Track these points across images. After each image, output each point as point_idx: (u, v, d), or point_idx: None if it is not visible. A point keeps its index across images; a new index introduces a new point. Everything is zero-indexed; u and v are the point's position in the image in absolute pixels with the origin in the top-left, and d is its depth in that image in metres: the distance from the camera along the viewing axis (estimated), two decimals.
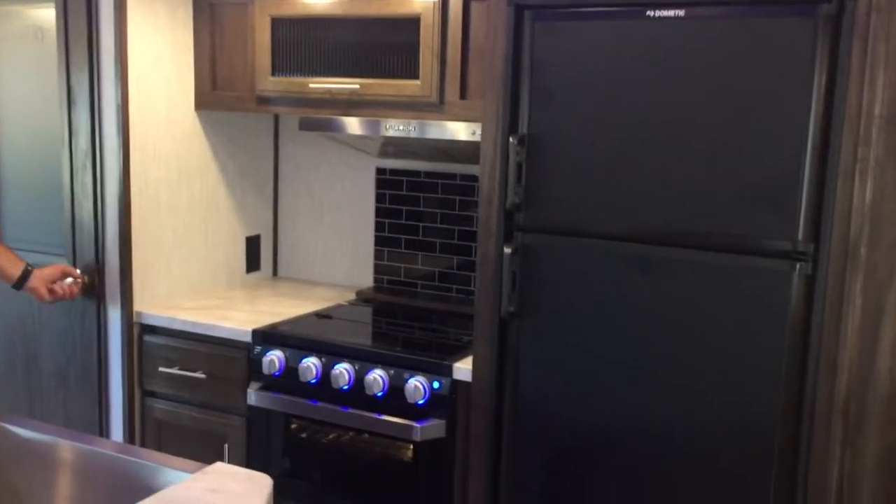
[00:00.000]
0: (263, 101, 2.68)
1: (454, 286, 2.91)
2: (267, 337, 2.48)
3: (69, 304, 2.72)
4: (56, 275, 2.54)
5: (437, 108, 2.43)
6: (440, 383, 2.23)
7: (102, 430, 2.73)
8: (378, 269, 3.04)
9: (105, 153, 2.61)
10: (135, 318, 2.65)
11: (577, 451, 2.08)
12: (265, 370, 2.43)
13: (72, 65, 2.59)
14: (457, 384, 2.23)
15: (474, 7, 2.37)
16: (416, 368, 2.27)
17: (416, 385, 2.23)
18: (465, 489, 2.25)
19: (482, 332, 2.15)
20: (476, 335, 2.17)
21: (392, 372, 2.28)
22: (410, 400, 2.24)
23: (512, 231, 2.09)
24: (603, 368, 2.02)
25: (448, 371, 2.23)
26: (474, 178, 2.83)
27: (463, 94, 2.41)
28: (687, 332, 1.94)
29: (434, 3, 2.39)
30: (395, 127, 2.45)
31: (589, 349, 2.03)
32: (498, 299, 2.11)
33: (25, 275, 2.48)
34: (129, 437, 2.69)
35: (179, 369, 2.58)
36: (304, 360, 2.38)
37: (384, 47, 2.50)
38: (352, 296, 2.95)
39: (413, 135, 2.43)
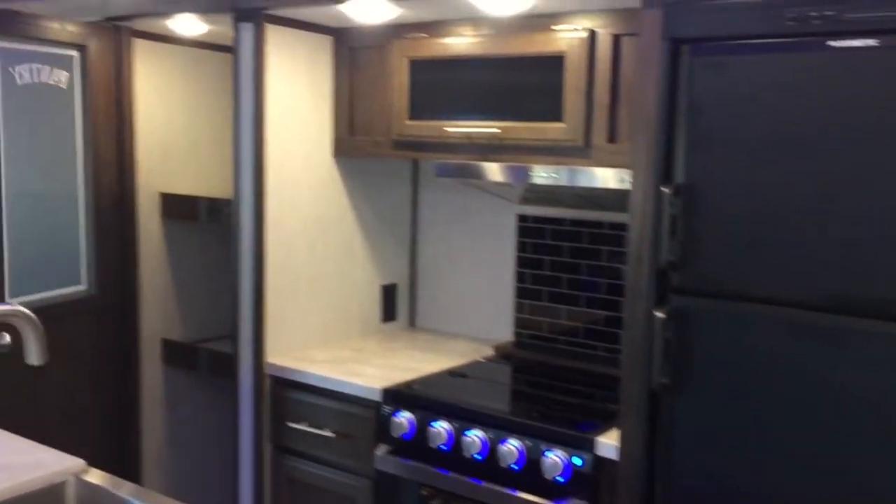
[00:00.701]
0: (401, 145, 2.58)
1: (600, 344, 2.67)
2: (397, 397, 2.34)
3: None
4: None
5: (582, 152, 2.24)
6: (582, 460, 2.00)
7: (231, 482, 2.67)
8: (518, 323, 2.85)
9: (241, 201, 2.57)
10: (266, 370, 2.59)
11: None
12: (394, 432, 2.28)
13: None
14: (601, 461, 2.00)
15: (625, 42, 2.16)
16: (556, 441, 2.05)
17: (555, 460, 2.01)
18: None
19: (630, 404, 1.91)
20: (623, 407, 1.93)
21: (529, 443, 2.08)
22: (548, 476, 2.02)
23: (665, 293, 1.85)
24: (773, 452, 1.74)
25: (591, 446, 2.00)
26: (624, 227, 2.60)
27: (611, 138, 2.20)
28: (872, 410, 1.64)
29: (580, 39, 2.20)
30: (540, 174, 2.26)
31: (755, 429, 1.76)
32: (648, 369, 1.87)
33: None
34: (257, 494, 2.61)
35: (308, 425, 2.48)
36: (434, 424, 2.22)
37: (526, 88, 2.33)
38: (489, 350, 2.77)
39: (562, 182, 2.23)
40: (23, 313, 1.60)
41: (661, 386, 1.84)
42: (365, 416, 2.39)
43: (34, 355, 1.61)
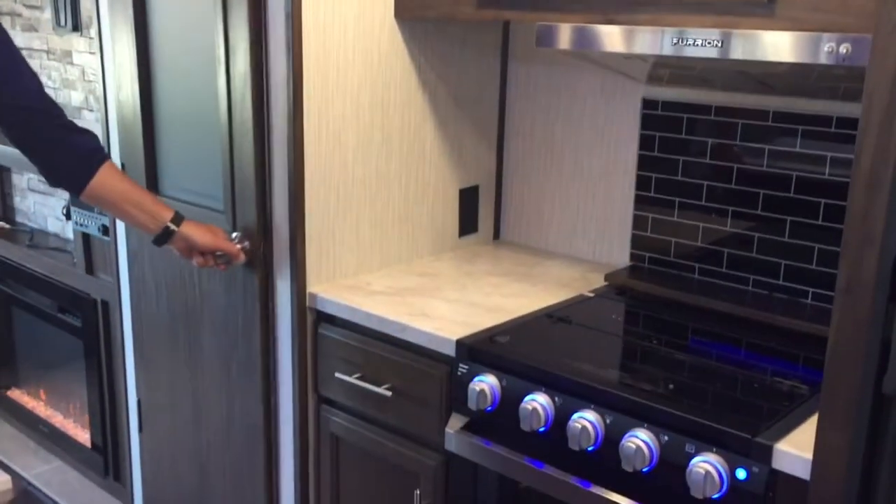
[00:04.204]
0: (488, 2, 1.85)
1: (751, 276, 1.98)
2: (477, 353, 1.71)
3: (229, 277, 2.10)
4: (207, 247, 1.92)
5: (763, 7, 1.48)
6: (748, 472, 1.36)
7: (270, 438, 2.13)
8: (637, 243, 2.17)
9: (271, 78, 1.91)
10: (308, 303, 1.99)
11: None
12: (472, 402, 1.67)
13: None
14: (778, 477, 1.34)
15: None
16: (707, 440, 1.40)
17: (708, 469, 1.37)
18: None
19: (838, 407, 1.24)
20: (825, 409, 1.26)
21: (665, 439, 1.44)
22: (696, 491, 1.38)
23: None
24: None
25: (764, 455, 1.35)
26: (797, 119, 1.85)
27: None
28: None
29: None
30: (691, 40, 1.52)
31: None
32: (876, 357, 1.18)
33: (167, 233, 1.88)
34: (302, 451, 2.06)
35: (360, 379, 1.89)
36: (528, 398, 1.59)
37: None
38: (599, 279, 2.11)
39: (728, 55, 1.49)
40: None
41: None
42: (434, 373, 1.78)
43: None
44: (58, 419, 3.13)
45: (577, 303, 1.97)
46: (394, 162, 2.13)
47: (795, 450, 1.32)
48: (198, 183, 2.19)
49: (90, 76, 2.80)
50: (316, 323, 1.99)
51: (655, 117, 2.09)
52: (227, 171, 2.04)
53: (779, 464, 1.33)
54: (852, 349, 1.20)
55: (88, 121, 2.81)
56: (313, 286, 1.99)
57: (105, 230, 2.56)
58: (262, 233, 2.00)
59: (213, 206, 2.13)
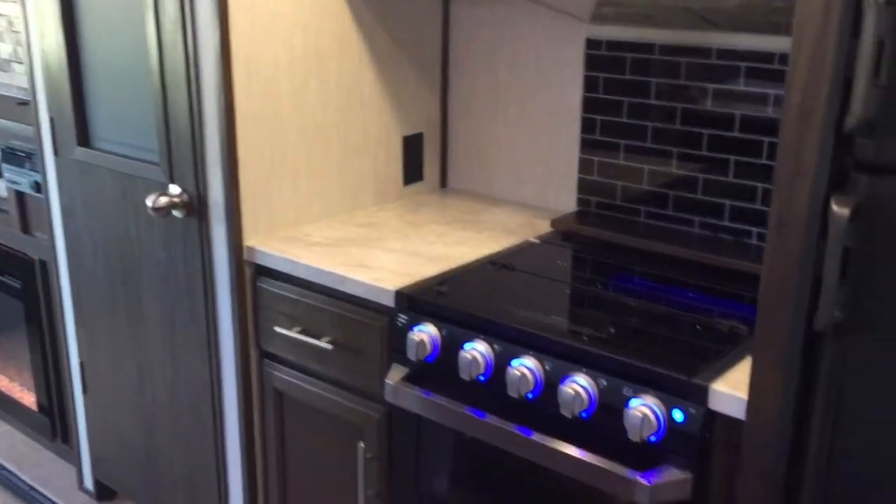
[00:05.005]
0: None
1: (697, 218, 1.96)
2: (415, 303, 1.67)
3: (168, 231, 2.03)
4: None
5: None
6: (685, 413, 1.34)
7: (215, 395, 2.09)
8: (584, 187, 2.13)
9: (198, 23, 1.83)
10: (246, 256, 1.93)
11: None
12: (412, 353, 1.64)
13: None
14: (715, 418, 1.33)
15: None
16: (644, 382, 1.38)
17: (645, 412, 1.35)
18: None
19: (771, 345, 1.22)
20: (759, 348, 1.24)
21: (604, 383, 1.42)
22: (633, 434, 1.37)
23: (848, 172, 1.11)
24: None
25: (700, 395, 1.33)
26: (740, 56, 1.81)
27: None
28: None
29: None
30: None
31: None
32: (808, 294, 1.16)
33: None
34: (246, 407, 2.03)
35: (300, 332, 1.85)
36: (467, 346, 1.56)
37: None
38: (545, 225, 2.07)
39: None
40: None
41: (831, 323, 1.13)
42: (374, 325, 1.74)
43: None
44: (3, 382, 3.06)
45: (522, 249, 1.94)
46: (331, 110, 2.06)
47: (731, 390, 1.30)
48: (131, 135, 2.12)
49: (18, 27, 2.67)
50: (254, 276, 1.94)
51: (599, 57, 2.04)
52: (161, 121, 1.96)
53: (715, 404, 1.32)
54: (785, 286, 1.18)
55: (18, 73, 2.69)
56: (250, 239, 1.93)
57: (38, 187, 2.48)
58: (198, 185, 1.94)
59: (148, 159, 2.06)
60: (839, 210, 1.08)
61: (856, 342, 1.14)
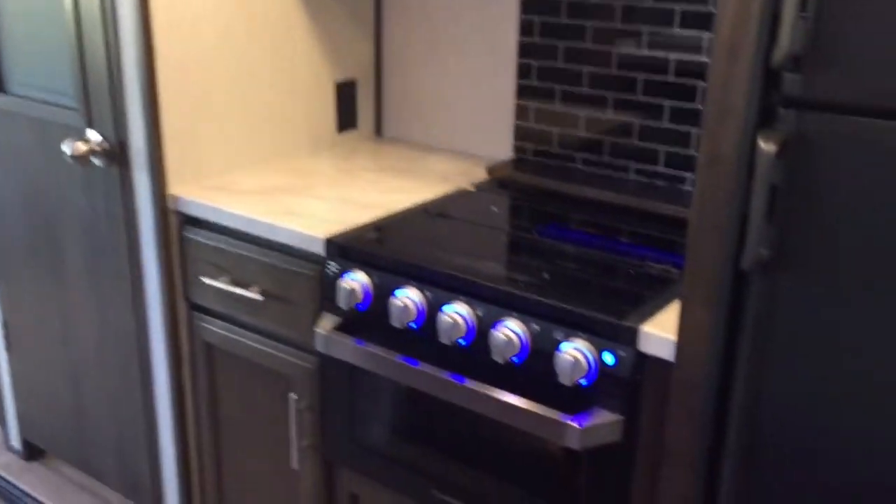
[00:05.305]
0: None
1: (632, 164, 1.94)
2: (346, 251, 1.63)
3: (89, 181, 1.95)
4: None
5: None
6: (616, 356, 1.34)
7: (141, 347, 2.03)
8: (520, 134, 2.10)
9: None
10: (171, 205, 1.87)
11: None
12: (342, 301, 1.60)
13: None
14: (645, 361, 1.33)
15: None
16: (575, 326, 1.37)
17: (576, 356, 1.35)
18: None
19: (699, 284, 1.21)
20: (688, 287, 1.23)
21: (536, 328, 1.40)
22: (564, 378, 1.36)
23: (775, 108, 1.10)
24: None
25: (630, 337, 1.33)
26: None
27: None
28: None
29: None
30: None
31: None
32: (736, 233, 1.16)
33: None
34: (175, 361, 1.97)
35: (229, 283, 1.80)
36: (399, 293, 1.53)
37: None
38: (481, 173, 2.04)
39: None
40: None
41: (758, 261, 1.13)
42: (304, 273, 1.70)
43: None
44: None
45: (457, 197, 1.91)
46: (259, 55, 1.99)
47: (661, 331, 1.30)
48: (48, 79, 2.02)
49: None
50: (181, 226, 1.88)
51: (535, 0, 1.99)
52: (77, 64, 1.87)
53: (645, 346, 1.31)
54: (713, 225, 1.17)
55: None
56: (176, 187, 1.86)
57: None
58: (118, 132, 1.86)
59: (65, 104, 1.97)
60: (766, 146, 1.07)
61: (782, 280, 1.14)
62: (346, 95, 2.23)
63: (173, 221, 1.87)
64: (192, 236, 1.86)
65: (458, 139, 2.22)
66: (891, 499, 1.12)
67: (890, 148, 1.03)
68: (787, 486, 1.20)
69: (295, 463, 1.82)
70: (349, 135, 2.27)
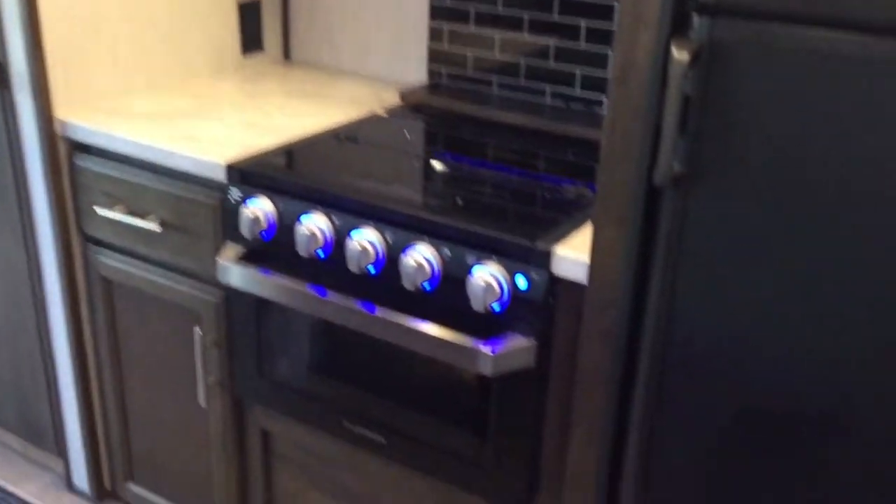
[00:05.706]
0: None
1: (549, 87, 1.89)
2: (249, 176, 1.54)
3: None
4: None
5: None
6: (529, 280, 1.30)
7: (34, 283, 1.91)
8: (434, 57, 2.02)
9: None
10: (59, 130, 1.73)
11: (772, 421, 1.16)
12: (246, 229, 1.52)
13: None
14: (558, 284, 1.29)
15: None
16: (489, 250, 1.33)
17: (488, 280, 1.30)
18: (562, 455, 1.38)
19: (612, 202, 1.18)
20: (601, 207, 1.19)
21: (448, 252, 1.35)
22: (477, 303, 1.32)
23: (688, 15, 1.05)
24: (844, 283, 1.06)
25: (543, 260, 1.29)
26: None
27: None
28: None
29: None
30: None
31: (824, 248, 1.06)
32: (649, 149, 1.12)
33: None
34: (72, 297, 1.87)
35: (125, 213, 1.70)
36: (304, 220, 1.46)
37: None
38: (394, 97, 1.96)
39: None
40: None
41: (670, 177, 1.09)
42: (205, 201, 1.61)
43: None
44: None
45: (369, 122, 1.83)
46: None
47: (574, 253, 1.26)
48: None
49: None
50: (70, 153, 1.75)
51: None
52: None
53: (558, 269, 1.28)
54: (626, 140, 1.13)
55: None
56: (63, 111, 1.73)
57: None
58: None
59: None
60: (679, 55, 1.02)
61: (695, 196, 1.11)
62: (249, 16, 2.10)
63: (62, 148, 1.74)
64: (83, 164, 1.73)
65: (370, 63, 2.13)
66: (794, 407, 1.12)
67: (803, 57, 0.99)
68: (698, 401, 1.19)
69: (203, 400, 1.76)
70: (255, 58, 2.15)
